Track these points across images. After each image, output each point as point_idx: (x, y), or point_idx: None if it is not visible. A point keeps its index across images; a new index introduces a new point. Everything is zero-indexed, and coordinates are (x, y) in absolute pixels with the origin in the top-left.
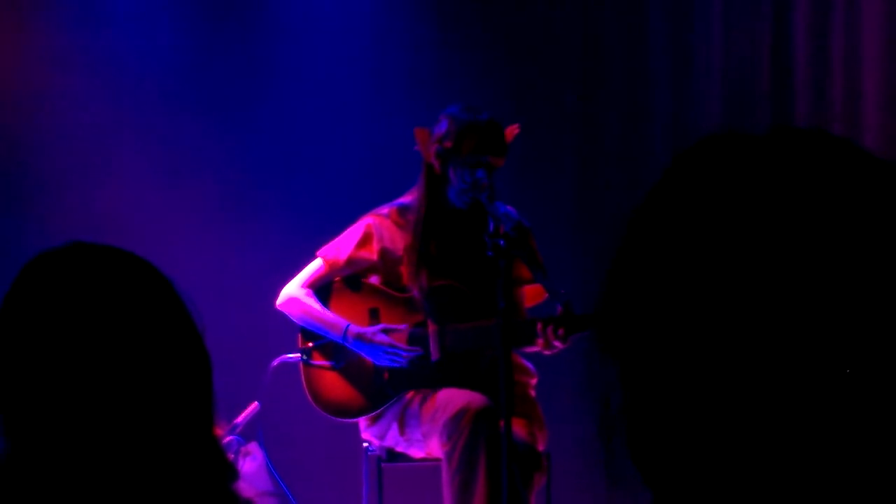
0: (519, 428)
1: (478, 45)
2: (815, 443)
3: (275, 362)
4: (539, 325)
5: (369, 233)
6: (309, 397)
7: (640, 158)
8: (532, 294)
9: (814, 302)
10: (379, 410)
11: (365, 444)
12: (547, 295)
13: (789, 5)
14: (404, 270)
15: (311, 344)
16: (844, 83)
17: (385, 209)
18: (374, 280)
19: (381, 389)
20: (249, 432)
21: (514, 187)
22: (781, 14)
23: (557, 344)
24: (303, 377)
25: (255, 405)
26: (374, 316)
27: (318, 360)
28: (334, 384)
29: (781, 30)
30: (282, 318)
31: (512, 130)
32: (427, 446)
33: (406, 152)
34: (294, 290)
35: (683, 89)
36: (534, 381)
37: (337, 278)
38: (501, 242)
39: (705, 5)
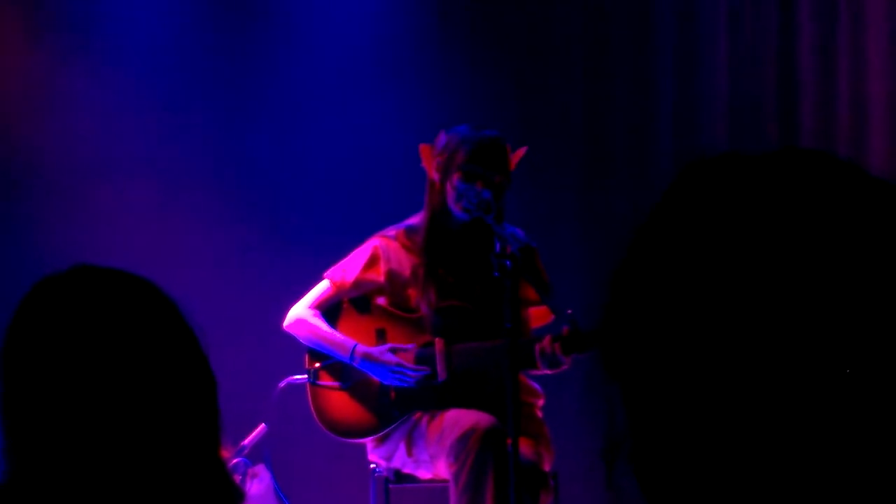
0: (525, 448)
1: (479, 47)
2: (819, 467)
3: (282, 384)
4: (545, 345)
5: (376, 255)
6: (315, 418)
7: (644, 162)
8: (538, 315)
9: (824, 329)
10: (385, 431)
11: (372, 466)
12: (553, 316)
13: (796, 6)
14: (411, 292)
15: (317, 364)
16: (849, 87)
17: (392, 231)
18: (381, 301)
19: (388, 410)
20: (256, 454)
21: (515, 189)
22: (788, 14)
23: (563, 365)
24: (309, 397)
25: (262, 427)
26: (381, 336)
27: (325, 381)
28: (341, 405)
29: (788, 32)
30: (289, 339)
31: (518, 153)
32: (434, 467)
33: (411, 155)
34: (301, 311)
35: (688, 92)
36: (541, 402)
37: (344, 299)
38: (507, 263)
39: (711, 7)
